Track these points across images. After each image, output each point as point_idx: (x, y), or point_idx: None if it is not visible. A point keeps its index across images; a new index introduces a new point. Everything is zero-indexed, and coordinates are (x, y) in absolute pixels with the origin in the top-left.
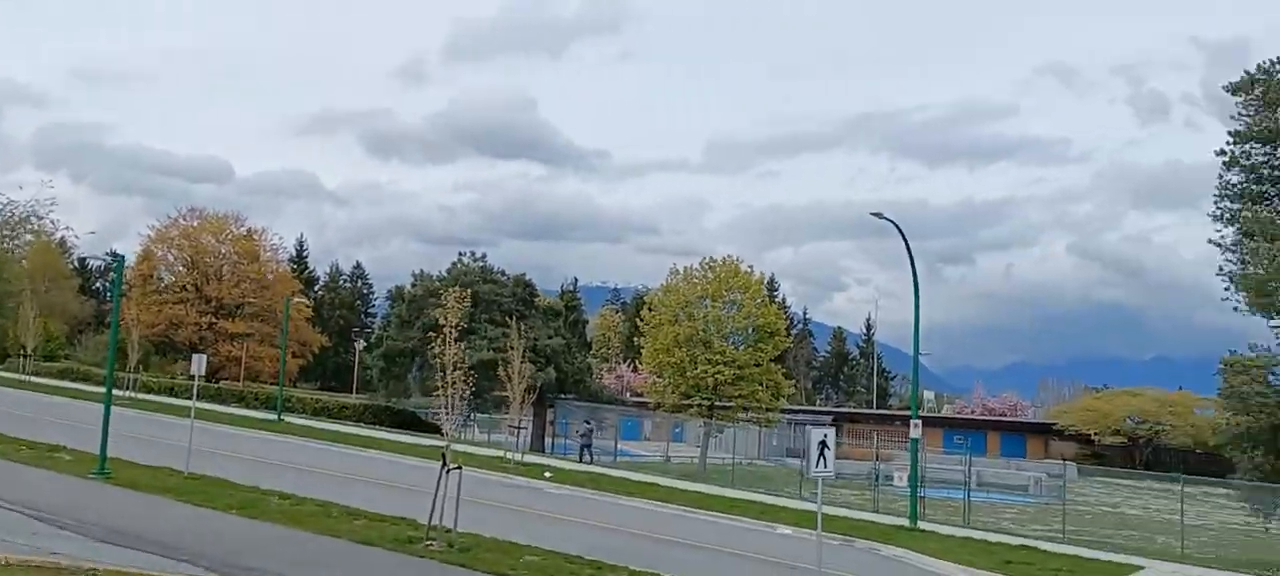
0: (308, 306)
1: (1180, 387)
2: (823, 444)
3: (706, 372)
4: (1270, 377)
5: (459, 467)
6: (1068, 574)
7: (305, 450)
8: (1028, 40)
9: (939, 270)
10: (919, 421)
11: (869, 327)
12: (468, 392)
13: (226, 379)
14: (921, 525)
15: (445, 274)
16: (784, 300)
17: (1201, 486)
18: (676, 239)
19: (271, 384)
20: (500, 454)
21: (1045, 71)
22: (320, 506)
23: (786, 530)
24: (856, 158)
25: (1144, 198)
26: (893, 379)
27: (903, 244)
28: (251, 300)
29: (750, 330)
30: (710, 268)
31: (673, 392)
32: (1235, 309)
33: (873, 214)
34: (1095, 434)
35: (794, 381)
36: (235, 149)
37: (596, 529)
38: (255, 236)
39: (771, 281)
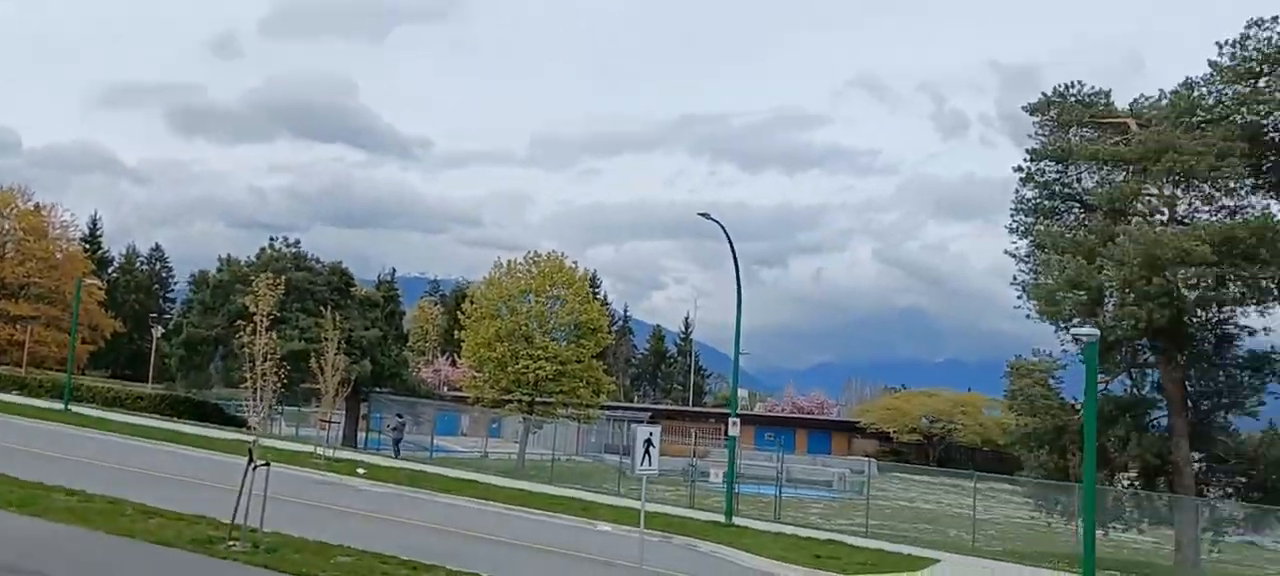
0: (100, 289)
1: (970, 389)
2: (648, 442)
3: (528, 368)
4: (1051, 381)
5: (267, 464)
6: (872, 568)
7: (96, 442)
8: (842, 53)
9: (755, 272)
10: (737, 420)
11: (687, 326)
12: (279, 385)
13: (8, 364)
14: (736, 520)
15: (255, 259)
16: (605, 297)
17: (991, 482)
18: (499, 232)
19: (58, 371)
20: (310, 449)
21: (857, 84)
22: (112, 503)
23: (606, 526)
24: (677, 159)
25: (943, 209)
26: (709, 377)
27: (721, 245)
28: (37, 281)
29: (573, 326)
30: (535, 262)
31: (492, 387)
32: (1028, 316)
33: (700, 214)
34: (894, 431)
35: (614, 378)
36: (25, 118)
37: (412, 527)
38: (43, 212)
39: (593, 278)
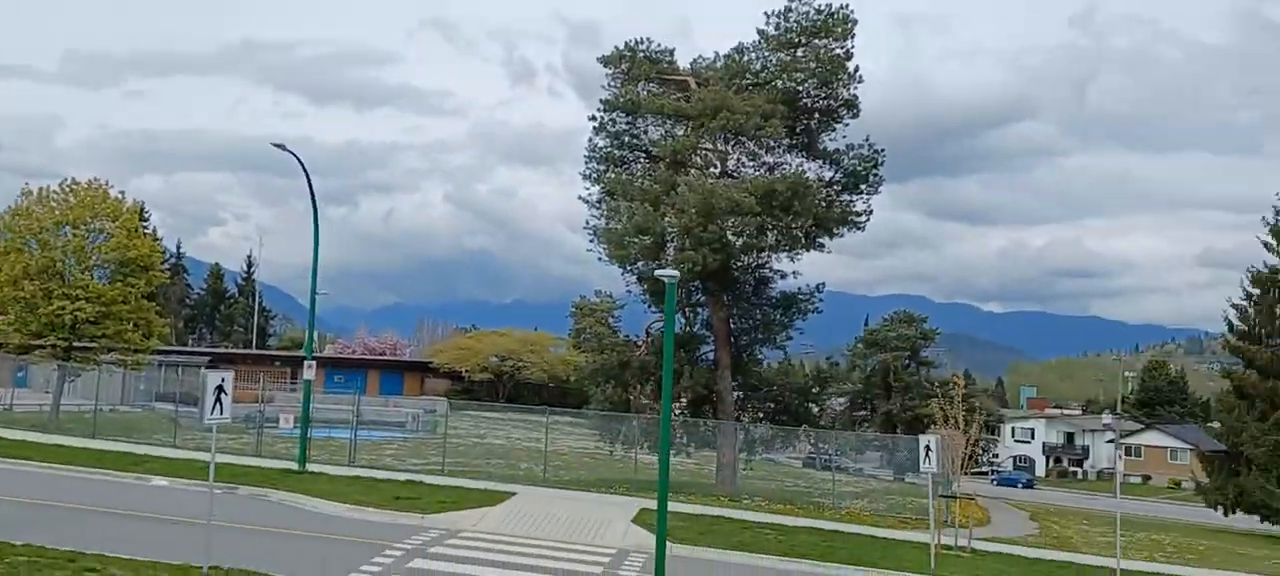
0: None
1: (537, 328)
2: (220, 388)
3: (64, 309)
4: (611, 320)
5: None
6: (453, 504)
7: None
8: None
9: (323, 210)
10: (313, 363)
11: (250, 265)
12: None
13: None
14: (309, 467)
15: None
16: (155, 232)
17: (559, 416)
18: (20, 158)
19: None
20: None
21: (429, 25)
22: None
23: (162, 481)
24: (237, 86)
25: (512, 154)
26: (274, 318)
27: (285, 180)
28: None
29: (119, 263)
30: (72, 191)
31: (20, 331)
32: (599, 259)
33: (275, 144)
34: (466, 371)
35: (168, 321)
36: None
37: None
38: None
39: (142, 211)
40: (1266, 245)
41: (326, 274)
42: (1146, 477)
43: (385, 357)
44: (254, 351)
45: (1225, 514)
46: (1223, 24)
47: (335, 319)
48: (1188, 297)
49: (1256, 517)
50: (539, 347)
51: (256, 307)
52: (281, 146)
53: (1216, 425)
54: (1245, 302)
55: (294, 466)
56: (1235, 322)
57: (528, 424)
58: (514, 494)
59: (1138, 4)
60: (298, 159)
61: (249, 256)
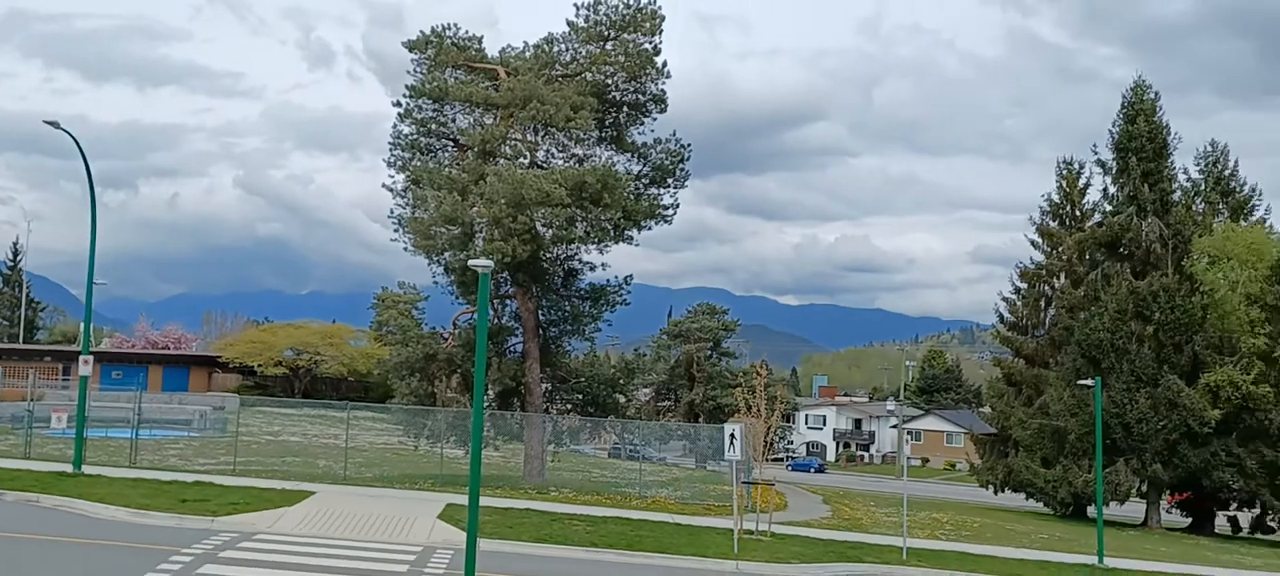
0: None
1: (335, 320)
2: None
3: None
4: (416, 311)
5: None
6: (245, 506)
7: None
8: None
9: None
10: (90, 358)
11: (16, 254)
12: None
13: None
14: (87, 469)
15: None
16: None
17: (361, 412)
18: None
19: None
20: None
21: (219, 2)
22: None
23: None
24: (4, 59)
25: (308, 139)
26: (44, 310)
27: (55, 162)
28: None
29: None
30: None
31: None
32: (405, 250)
33: (47, 122)
34: (259, 365)
35: None
36: None
37: None
38: None
39: None
40: (1033, 243)
41: (104, 263)
42: (925, 460)
43: (169, 352)
44: (21, 346)
45: (995, 492)
46: (996, 38)
47: (115, 311)
48: (963, 291)
49: (1022, 495)
50: (338, 340)
51: (24, 299)
52: (54, 124)
53: (988, 410)
54: (1014, 296)
55: (69, 469)
56: (1005, 315)
57: (327, 420)
58: (313, 493)
59: (921, 14)
60: (73, 138)
61: (15, 244)
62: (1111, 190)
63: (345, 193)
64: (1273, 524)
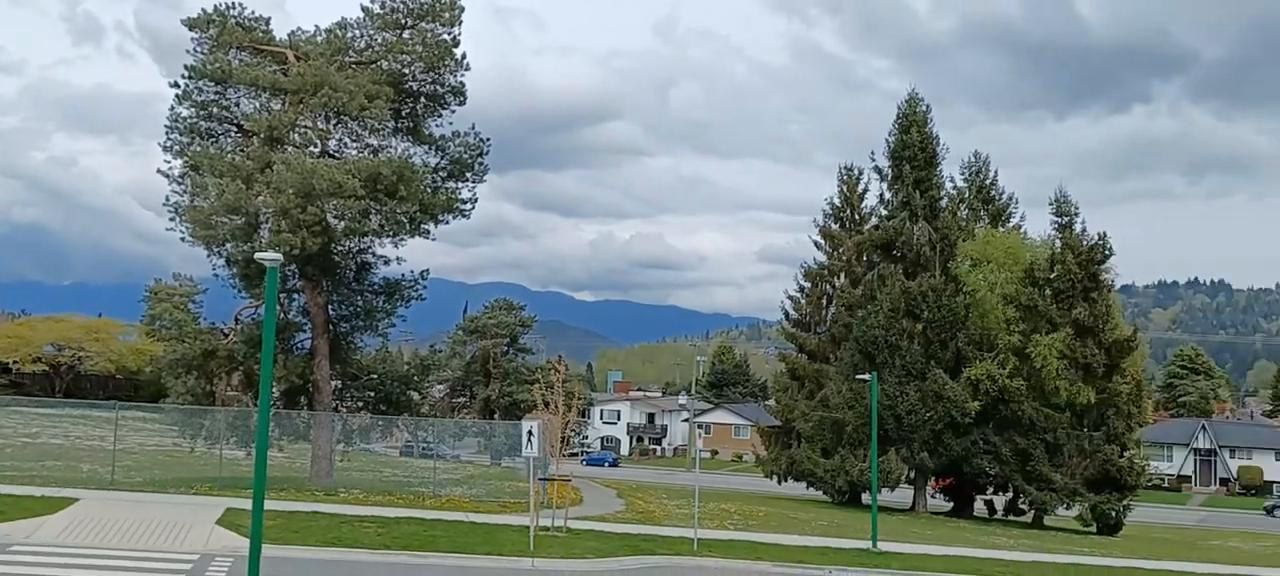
0: None
1: (101, 314)
2: None
3: None
4: (193, 305)
5: None
6: (2, 515)
7: None
8: None
9: None
10: None
11: None
12: None
13: None
14: None
15: None
16: None
17: (130, 412)
18: None
19: None
20: None
21: None
22: None
23: None
24: None
25: (72, 120)
26: None
27: None
28: None
29: None
30: None
31: None
32: (183, 240)
33: None
34: (15, 362)
35: None
36: None
37: None
38: None
39: None
40: (816, 244)
41: None
42: (715, 452)
43: None
44: None
45: (779, 482)
46: (780, 47)
47: None
48: (750, 289)
49: (804, 484)
50: (105, 336)
51: None
52: None
53: (773, 403)
54: (799, 294)
55: None
56: (790, 312)
57: (92, 420)
58: (77, 499)
59: (712, 19)
60: None
61: None
62: (887, 195)
63: (114, 177)
64: (1023, 506)
